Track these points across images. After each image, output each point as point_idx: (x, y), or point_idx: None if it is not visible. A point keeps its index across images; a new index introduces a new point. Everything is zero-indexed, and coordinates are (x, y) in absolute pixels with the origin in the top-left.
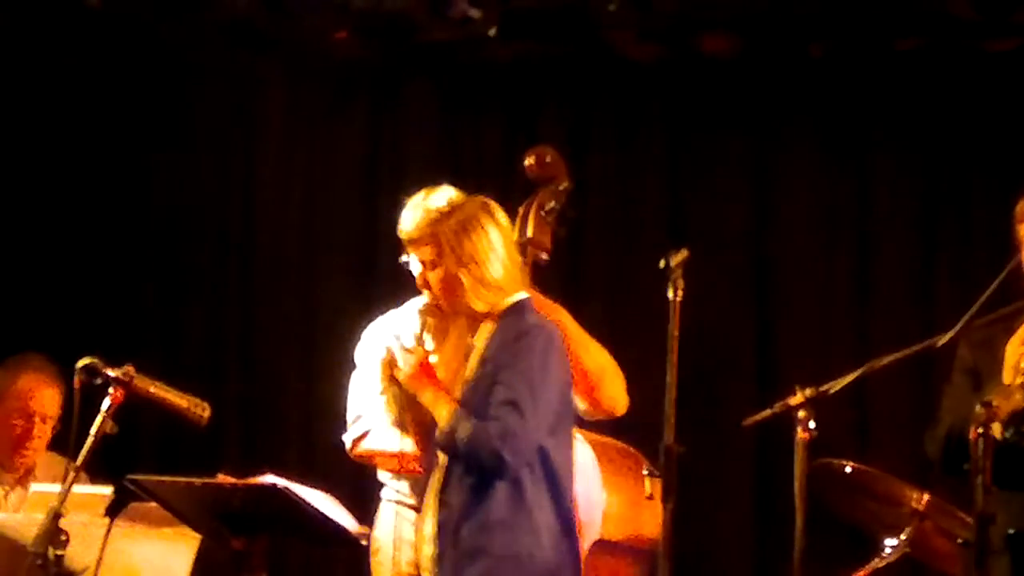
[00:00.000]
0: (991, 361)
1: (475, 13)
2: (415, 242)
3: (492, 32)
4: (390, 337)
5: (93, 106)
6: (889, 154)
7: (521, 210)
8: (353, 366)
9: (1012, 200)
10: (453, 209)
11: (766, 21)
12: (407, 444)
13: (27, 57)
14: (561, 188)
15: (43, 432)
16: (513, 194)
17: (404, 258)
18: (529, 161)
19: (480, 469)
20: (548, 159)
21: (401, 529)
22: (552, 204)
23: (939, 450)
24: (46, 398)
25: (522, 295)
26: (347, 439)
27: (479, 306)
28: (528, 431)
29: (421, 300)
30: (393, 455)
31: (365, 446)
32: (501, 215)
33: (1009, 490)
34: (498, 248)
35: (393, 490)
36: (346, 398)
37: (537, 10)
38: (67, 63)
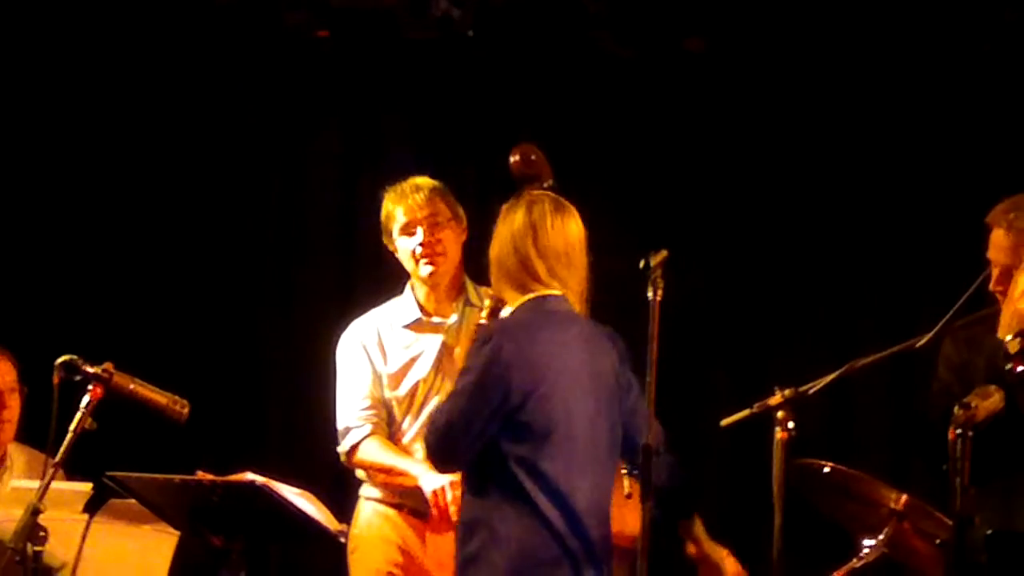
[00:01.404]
0: (977, 357)
1: (455, 12)
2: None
3: (470, 32)
4: (372, 335)
5: (74, 100)
6: (872, 152)
7: (505, 207)
8: (334, 369)
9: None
10: (513, 206)
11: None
12: None
13: (10, 47)
14: (545, 186)
15: (12, 401)
16: (496, 191)
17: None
18: (514, 159)
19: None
20: (533, 157)
21: (380, 527)
22: None
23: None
24: (2, 370)
25: (538, 294)
26: (341, 452)
27: (509, 299)
28: (451, 422)
29: (401, 299)
30: (384, 467)
31: (359, 457)
32: (555, 219)
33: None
34: (528, 248)
35: (372, 488)
36: (330, 399)
37: (515, 10)
38: (47, 55)
